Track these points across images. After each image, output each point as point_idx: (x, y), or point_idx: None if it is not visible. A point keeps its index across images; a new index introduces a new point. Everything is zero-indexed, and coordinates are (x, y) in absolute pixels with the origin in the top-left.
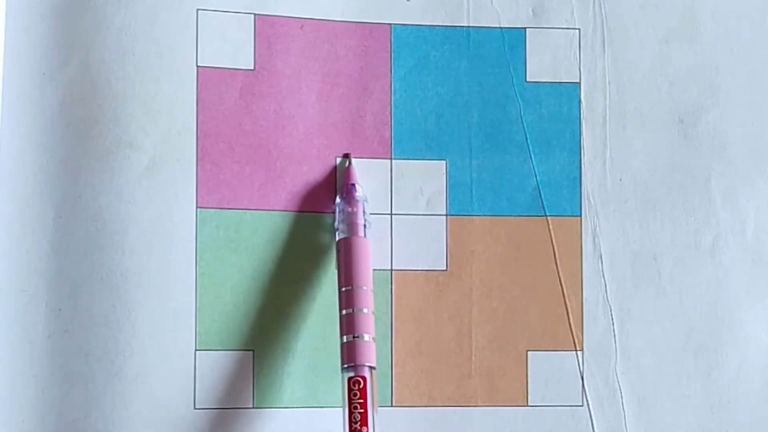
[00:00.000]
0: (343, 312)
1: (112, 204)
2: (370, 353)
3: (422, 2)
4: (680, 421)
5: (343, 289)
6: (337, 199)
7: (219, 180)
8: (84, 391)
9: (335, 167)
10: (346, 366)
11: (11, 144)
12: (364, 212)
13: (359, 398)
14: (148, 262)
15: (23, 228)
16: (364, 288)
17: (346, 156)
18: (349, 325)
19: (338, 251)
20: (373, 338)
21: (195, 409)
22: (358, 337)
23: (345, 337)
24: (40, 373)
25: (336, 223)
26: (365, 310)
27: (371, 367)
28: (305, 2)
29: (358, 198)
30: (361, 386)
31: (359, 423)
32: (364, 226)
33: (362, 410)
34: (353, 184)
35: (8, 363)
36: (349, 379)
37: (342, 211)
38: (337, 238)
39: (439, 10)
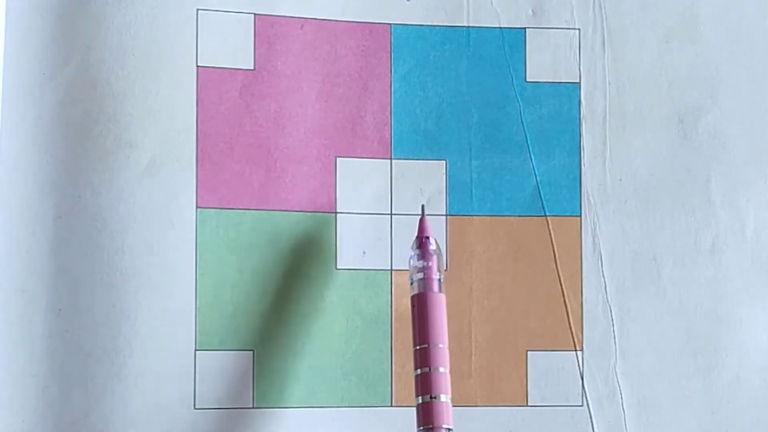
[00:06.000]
0: (418, 371)
1: (112, 204)
2: (448, 415)
3: (422, 2)
4: (680, 421)
5: (418, 347)
6: (411, 252)
7: (219, 180)
8: (84, 391)
9: (335, 167)
10: (422, 428)
11: (11, 144)
12: (438, 267)
13: None
14: (148, 262)
15: (23, 228)
16: (440, 346)
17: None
18: (425, 384)
19: (413, 306)
20: (449, 398)
21: (195, 409)
22: (435, 397)
23: (421, 397)
24: (40, 373)
25: (410, 277)
26: (442, 369)
27: (449, 429)
28: (305, 2)
29: (432, 252)
30: None
31: None
32: (439, 280)
33: None
34: (428, 237)
35: (8, 363)
36: None
37: (416, 265)
38: (411, 293)
39: (439, 10)
